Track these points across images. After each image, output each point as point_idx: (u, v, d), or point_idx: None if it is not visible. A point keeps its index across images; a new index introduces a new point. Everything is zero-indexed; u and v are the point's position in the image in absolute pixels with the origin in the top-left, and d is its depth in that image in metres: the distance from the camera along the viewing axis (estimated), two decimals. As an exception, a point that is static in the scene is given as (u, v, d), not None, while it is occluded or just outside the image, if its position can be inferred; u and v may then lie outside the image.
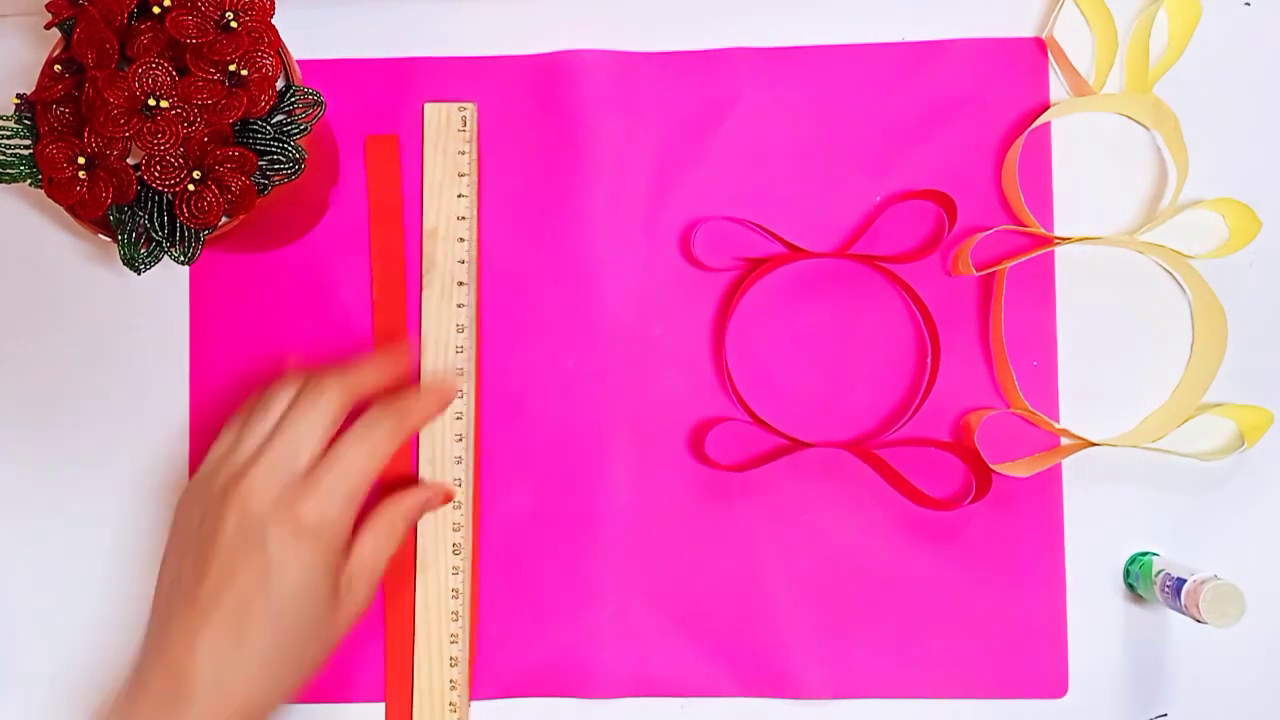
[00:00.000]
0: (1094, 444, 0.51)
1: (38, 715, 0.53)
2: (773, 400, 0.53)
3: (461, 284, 0.52)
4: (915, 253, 0.52)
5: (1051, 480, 0.52)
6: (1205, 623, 0.45)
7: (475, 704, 0.52)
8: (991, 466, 0.51)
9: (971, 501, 0.51)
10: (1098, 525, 0.52)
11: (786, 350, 0.53)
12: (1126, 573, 0.51)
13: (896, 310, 0.53)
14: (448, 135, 0.53)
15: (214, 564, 0.42)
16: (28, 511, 0.54)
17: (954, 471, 0.52)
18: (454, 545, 0.51)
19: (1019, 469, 0.51)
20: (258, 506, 0.42)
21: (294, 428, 0.44)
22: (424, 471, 0.51)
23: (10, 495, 0.54)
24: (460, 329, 0.52)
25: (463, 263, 0.52)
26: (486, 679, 0.52)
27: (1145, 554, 0.51)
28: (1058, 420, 0.52)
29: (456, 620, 0.51)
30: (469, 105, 0.53)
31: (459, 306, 0.52)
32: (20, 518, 0.54)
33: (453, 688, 0.51)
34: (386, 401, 0.46)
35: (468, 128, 0.53)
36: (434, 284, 0.52)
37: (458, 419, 0.52)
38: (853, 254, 0.52)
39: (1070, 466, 0.52)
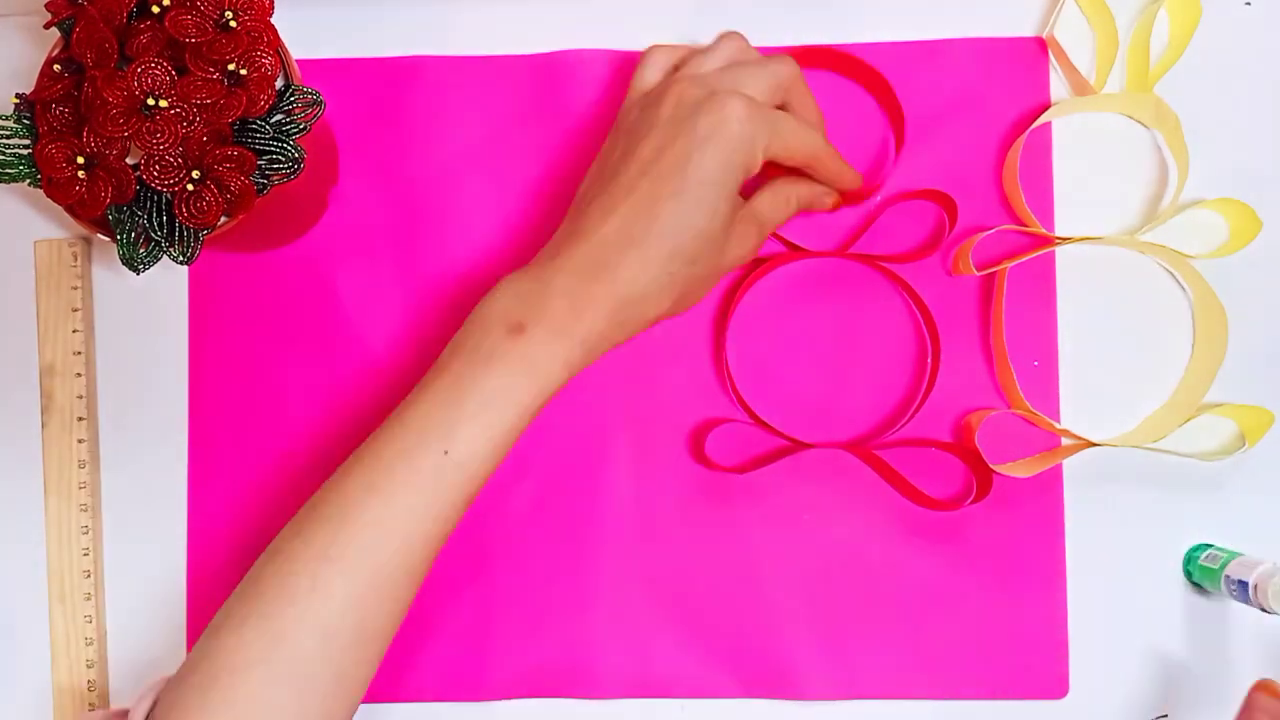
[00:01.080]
0: (1095, 444, 0.51)
1: (38, 715, 0.53)
2: (773, 401, 0.53)
3: (81, 419, 0.52)
4: (916, 253, 0.52)
5: (1052, 480, 0.52)
6: (1274, 613, 0.45)
7: (475, 704, 0.52)
8: (992, 467, 0.51)
9: (972, 502, 0.51)
10: (1098, 525, 0.52)
11: (786, 350, 0.53)
12: (1188, 560, 0.51)
13: (896, 310, 0.53)
14: (59, 272, 0.53)
15: (644, 146, 0.44)
16: (27, 511, 0.54)
17: (954, 472, 0.52)
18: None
19: (1020, 469, 0.51)
20: (695, 94, 0.44)
21: (743, 66, 0.46)
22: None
23: (10, 495, 0.54)
24: (82, 465, 0.52)
25: (81, 398, 0.53)
26: (487, 679, 0.52)
27: (1205, 546, 0.51)
28: (1058, 420, 0.52)
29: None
30: (78, 242, 0.53)
31: (80, 442, 0.53)
32: (20, 517, 0.54)
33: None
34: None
35: (78, 263, 0.53)
36: (53, 421, 0.53)
37: (85, 555, 0.52)
38: (853, 254, 0.52)
39: (1071, 467, 0.52)
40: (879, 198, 0.53)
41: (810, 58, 0.53)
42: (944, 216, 0.52)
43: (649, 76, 0.48)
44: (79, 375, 0.53)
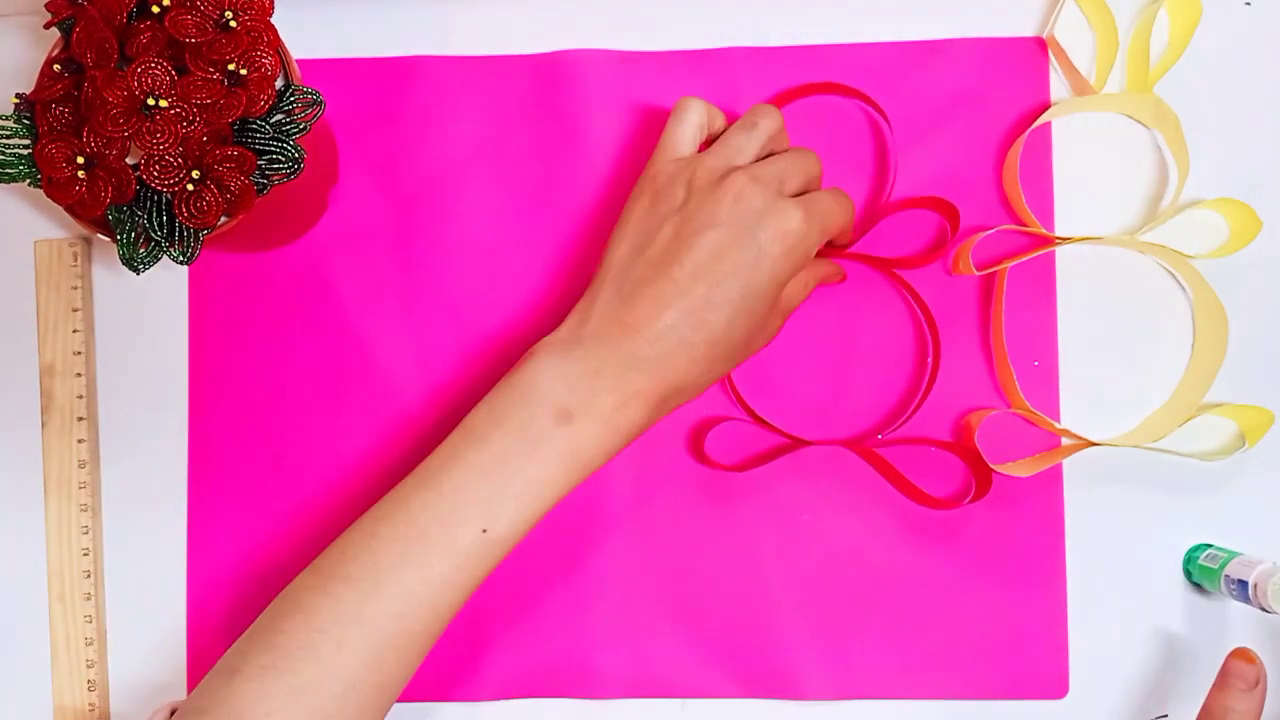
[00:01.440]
0: (1095, 444, 0.51)
1: (37, 715, 0.53)
2: (772, 399, 0.53)
3: (81, 419, 0.53)
4: (917, 258, 0.52)
5: (1052, 480, 0.52)
6: (1274, 612, 0.45)
7: (476, 704, 0.52)
8: (992, 466, 0.51)
9: (971, 501, 0.51)
10: (1098, 525, 0.52)
11: (786, 348, 0.53)
12: (1187, 559, 0.51)
13: (896, 309, 0.53)
14: (59, 271, 0.53)
15: (700, 243, 0.44)
16: (27, 511, 0.54)
17: (954, 471, 0.52)
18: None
19: (1020, 469, 0.51)
20: (755, 198, 0.44)
21: (786, 159, 0.47)
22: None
23: (10, 495, 0.54)
24: (82, 465, 0.53)
25: (81, 398, 0.53)
26: (487, 679, 0.52)
27: (1205, 546, 0.51)
28: (1058, 420, 0.52)
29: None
30: (78, 242, 0.53)
31: (80, 442, 0.53)
32: (20, 517, 0.54)
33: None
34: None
35: (79, 263, 0.53)
36: (53, 421, 0.53)
37: (85, 555, 0.52)
38: (854, 254, 0.52)
39: (1071, 466, 0.52)
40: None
41: (795, 93, 0.53)
42: (946, 223, 0.52)
43: (684, 135, 0.47)
44: (79, 375, 0.53)
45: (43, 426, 0.53)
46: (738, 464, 0.52)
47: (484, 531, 0.42)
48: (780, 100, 0.53)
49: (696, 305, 0.43)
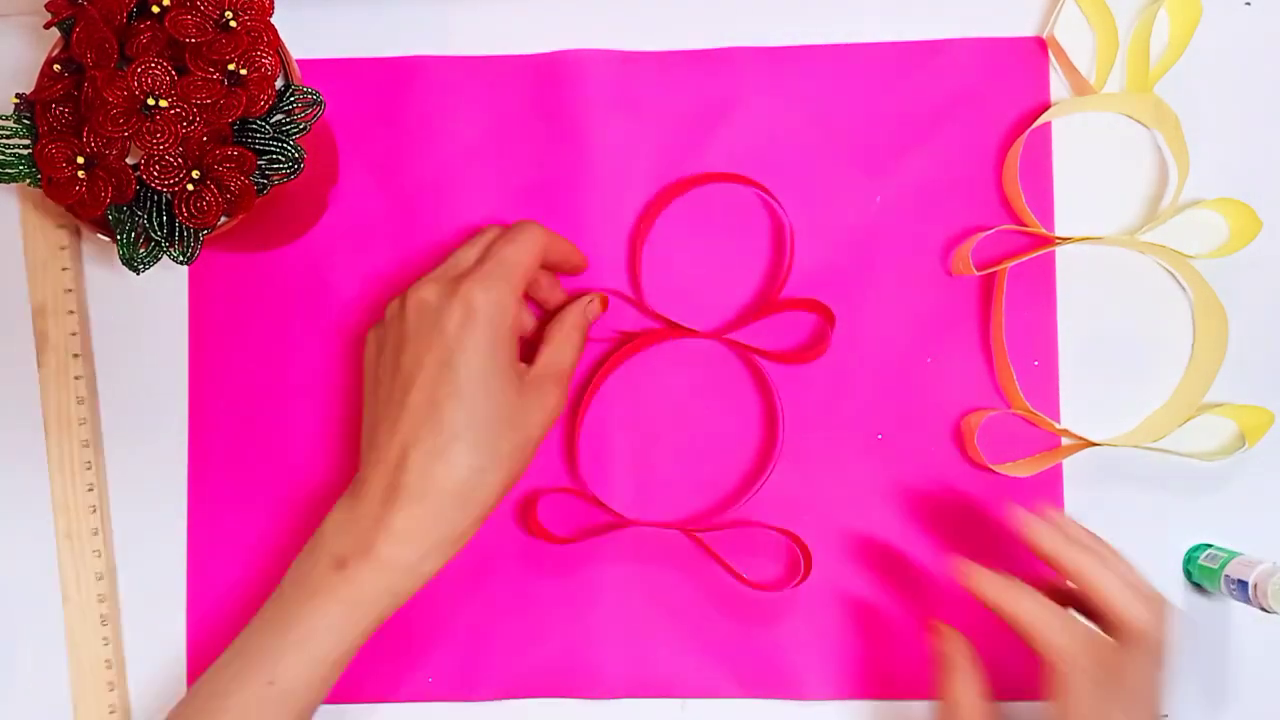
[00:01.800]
0: (1095, 444, 0.51)
1: (38, 714, 0.53)
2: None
3: (76, 356, 0.53)
4: (792, 354, 0.52)
5: (1052, 480, 0.52)
6: (1274, 612, 0.45)
7: (475, 704, 0.52)
8: (992, 466, 0.51)
9: (797, 584, 0.51)
10: (1098, 525, 0.52)
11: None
12: (1187, 560, 0.51)
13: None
14: (44, 209, 0.53)
15: (403, 361, 0.45)
16: (27, 511, 0.54)
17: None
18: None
19: (1019, 469, 0.51)
20: (431, 298, 0.45)
21: (467, 251, 0.48)
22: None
23: (9, 495, 0.54)
24: (80, 400, 0.53)
25: (74, 335, 0.53)
26: (486, 679, 0.52)
27: (1205, 545, 0.51)
28: (1058, 420, 0.52)
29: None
30: None
31: (76, 379, 0.53)
32: (20, 517, 0.54)
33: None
34: (531, 220, 0.48)
35: None
36: (49, 361, 0.53)
37: (90, 490, 0.53)
38: (730, 340, 0.52)
39: (1071, 466, 0.52)
40: (879, 199, 0.53)
41: (695, 181, 0.53)
42: (824, 324, 0.52)
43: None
44: (71, 312, 0.53)
45: (39, 367, 0.53)
46: (566, 536, 0.52)
47: (270, 684, 0.43)
48: (680, 188, 0.52)
49: (420, 414, 0.43)
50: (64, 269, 0.53)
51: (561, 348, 0.48)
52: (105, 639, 0.52)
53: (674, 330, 0.52)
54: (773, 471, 0.51)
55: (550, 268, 0.50)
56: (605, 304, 0.51)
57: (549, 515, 0.53)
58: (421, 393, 0.44)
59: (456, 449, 0.43)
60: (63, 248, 0.53)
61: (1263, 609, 0.46)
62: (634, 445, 0.53)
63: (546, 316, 0.50)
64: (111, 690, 0.52)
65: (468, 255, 0.47)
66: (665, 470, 0.53)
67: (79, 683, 0.52)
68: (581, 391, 0.52)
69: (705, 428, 0.53)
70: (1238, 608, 0.51)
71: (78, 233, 0.54)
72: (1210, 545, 0.51)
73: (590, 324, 0.50)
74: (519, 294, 0.46)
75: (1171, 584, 0.52)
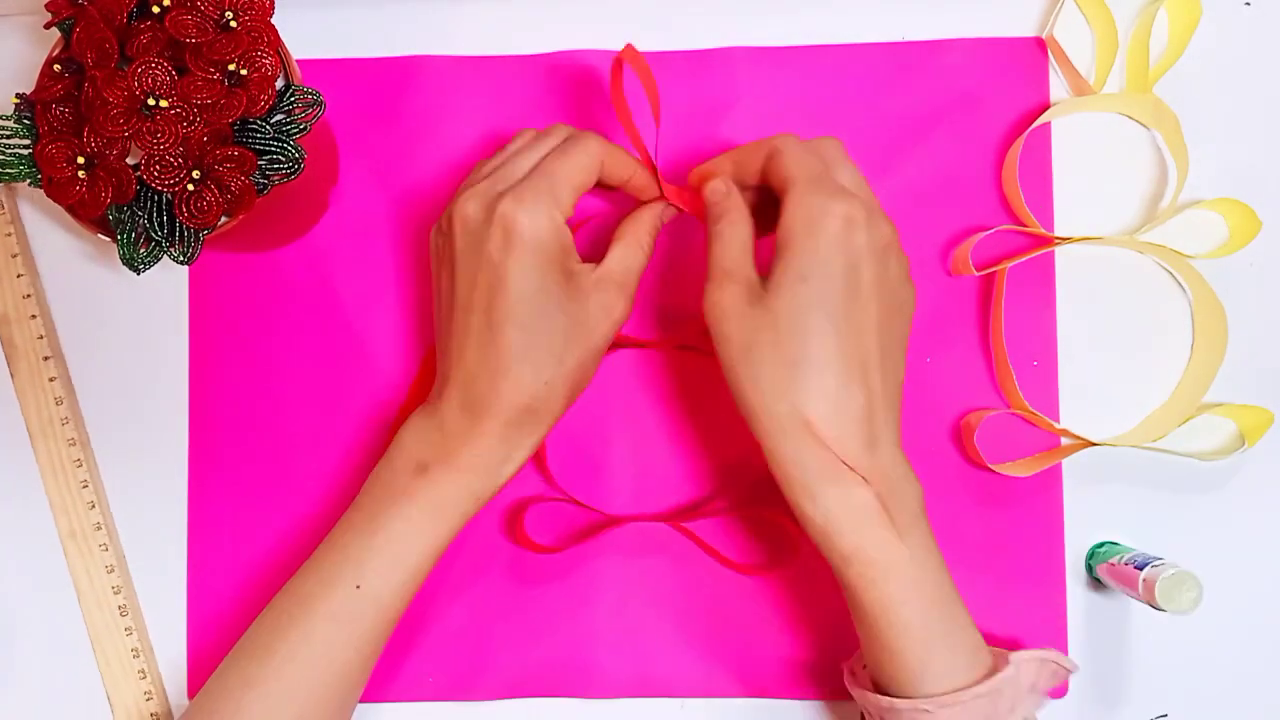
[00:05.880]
0: (1094, 444, 0.51)
1: (38, 714, 0.53)
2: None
3: (47, 358, 0.53)
4: None
5: (1051, 480, 0.52)
6: (1164, 610, 0.45)
7: (475, 704, 0.52)
8: (991, 466, 0.51)
9: (784, 563, 0.51)
10: (1098, 525, 0.52)
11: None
12: (1091, 555, 0.51)
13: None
14: None
15: (459, 280, 0.44)
16: (27, 511, 0.54)
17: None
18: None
19: (1019, 469, 0.51)
20: (474, 214, 0.44)
21: (522, 159, 0.46)
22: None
23: (10, 494, 0.54)
24: (59, 401, 0.53)
25: (41, 338, 0.53)
26: (486, 679, 0.52)
27: (1107, 544, 0.51)
28: (1058, 420, 0.52)
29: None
30: (0, 188, 0.54)
31: (51, 380, 0.53)
32: (20, 517, 0.54)
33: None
34: (593, 133, 0.47)
35: (6, 208, 0.53)
36: (20, 368, 0.53)
37: (84, 487, 0.53)
38: (686, 345, 0.52)
39: (1070, 466, 0.52)
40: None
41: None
42: None
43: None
44: (34, 317, 0.53)
45: (12, 376, 0.53)
46: (553, 545, 0.52)
47: (357, 588, 0.44)
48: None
49: (482, 337, 0.44)
50: (19, 275, 0.53)
51: (630, 249, 0.47)
52: (128, 628, 0.52)
53: (635, 343, 0.52)
54: (750, 458, 0.51)
55: (608, 186, 0.48)
56: (677, 210, 0.49)
57: (536, 525, 0.52)
58: (478, 315, 0.44)
59: (520, 369, 0.43)
60: (14, 255, 0.53)
61: (1153, 606, 0.46)
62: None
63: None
64: (144, 678, 0.52)
65: (521, 165, 0.46)
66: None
67: (110, 676, 0.52)
68: None
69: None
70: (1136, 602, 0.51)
71: (25, 236, 0.54)
72: (1115, 543, 0.51)
73: (660, 227, 0.48)
74: (567, 213, 0.45)
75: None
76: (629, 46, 0.45)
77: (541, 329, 0.44)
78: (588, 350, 0.45)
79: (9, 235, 0.54)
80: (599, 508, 0.52)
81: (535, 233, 0.43)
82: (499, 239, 0.43)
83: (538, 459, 0.52)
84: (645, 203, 0.48)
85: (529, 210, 0.43)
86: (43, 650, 0.53)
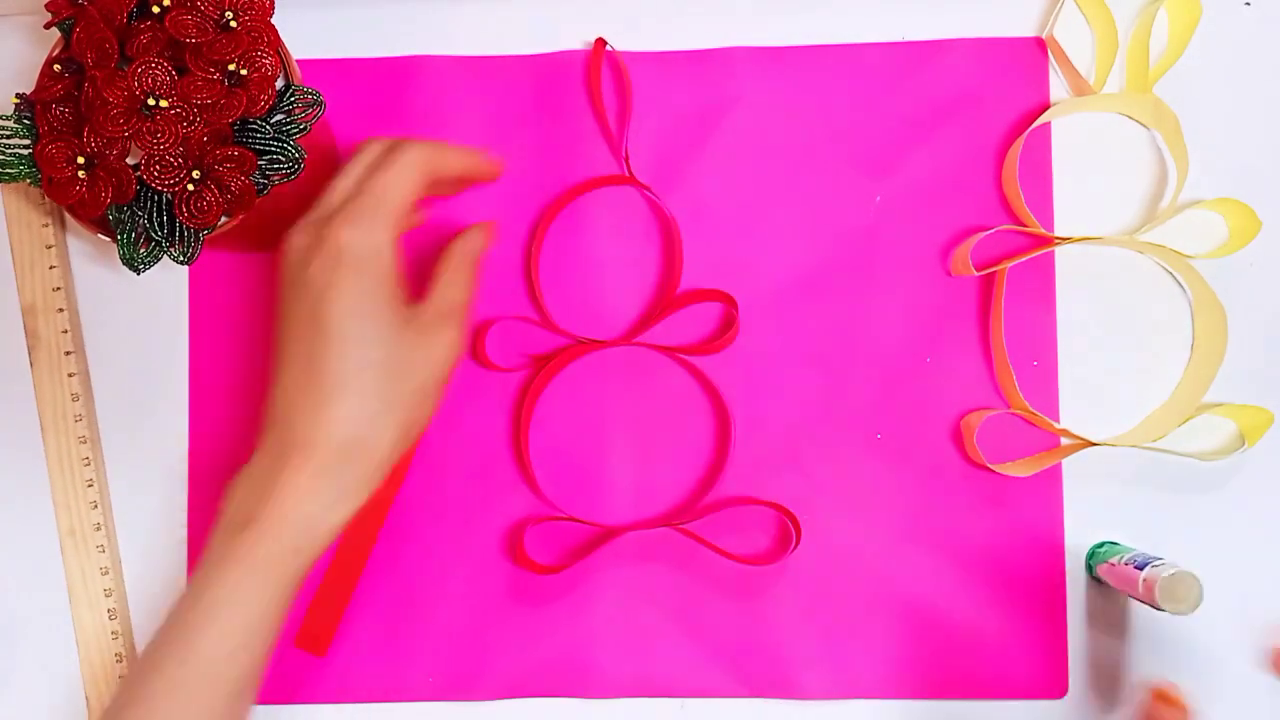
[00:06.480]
0: (1094, 444, 0.51)
1: (38, 714, 0.53)
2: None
3: (69, 353, 0.53)
4: (704, 345, 0.52)
5: (1051, 480, 0.52)
6: (1164, 610, 0.45)
7: (475, 704, 0.52)
8: (991, 466, 0.51)
9: (793, 549, 0.51)
10: (1098, 525, 0.52)
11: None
12: (1091, 555, 0.51)
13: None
14: (28, 209, 0.53)
15: (284, 314, 0.43)
16: (27, 510, 0.54)
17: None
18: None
19: (1019, 469, 0.51)
20: (299, 244, 0.43)
21: (341, 182, 0.44)
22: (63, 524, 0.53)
23: (10, 494, 0.54)
24: (75, 397, 0.53)
25: (65, 332, 0.53)
26: (487, 679, 0.52)
27: (1107, 544, 0.51)
28: (1058, 420, 0.52)
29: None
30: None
31: (70, 376, 0.53)
32: (20, 517, 0.54)
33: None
34: (423, 138, 0.45)
35: (46, 200, 0.53)
36: (41, 359, 0.53)
37: (90, 486, 0.53)
38: (643, 343, 0.52)
39: (1070, 466, 0.52)
40: (879, 198, 0.53)
41: (583, 187, 0.52)
42: (730, 310, 0.52)
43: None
44: (60, 310, 0.53)
45: (32, 366, 0.53)
46: (553, 564, 0.52)
47: (182, 663, 0.41)
48: (570, 195, 0.53)
49: (299, 367, 0.42)
50: (51, 267, 0.53)
51: (451, 284, 0.45)
52: (114, 633, 0.52)
53: (585, 345, 0.52)
54: (735, 447, 0.51)
55: (449, 185, 0.46)
56: (492, 236, 0.48)
57: (535, 544, 0.52)
58: (298, 345, 0.42)
59: (340, 399, 0.41)
60: (49, 246, 0.53)
61: (1154, 607, 0.46)
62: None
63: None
64: (113, 619, 0.52)
65: (342, 187, 0.44)
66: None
67: (92, 679, 0.52)
68: (518, 414, 0.52)
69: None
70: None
71: (63, 228, 0.54)
72: (1115, 544, 0.51)
73: (479, 255, 0.47)
74: (397, 228, 0.43)
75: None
76: (599, 41, 0.45)
77: (366, 359, 0.42)
78: (421, 385, 0.43)
79: (46, 226, 0.53)
80: (596, 519, 0.52)
81: (362, 250, 0.42)
82: (325, 260, 0.42)
83: (526, 478, 0.52)
84: (458, 234, 0.47)
85: (353, 227, 0.42)
86: (26, 642, 0.53)
